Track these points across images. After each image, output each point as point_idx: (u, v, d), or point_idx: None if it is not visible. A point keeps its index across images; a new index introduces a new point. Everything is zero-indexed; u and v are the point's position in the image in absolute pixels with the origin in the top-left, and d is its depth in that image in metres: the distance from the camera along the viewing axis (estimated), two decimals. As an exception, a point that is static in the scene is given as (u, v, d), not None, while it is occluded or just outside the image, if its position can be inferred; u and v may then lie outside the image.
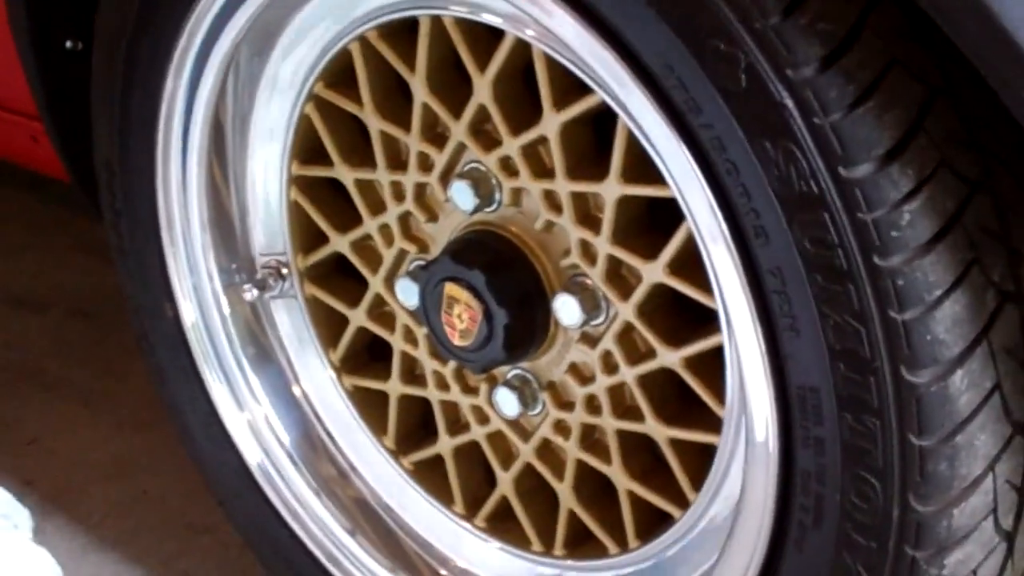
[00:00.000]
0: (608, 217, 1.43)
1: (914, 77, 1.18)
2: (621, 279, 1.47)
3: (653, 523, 1.56)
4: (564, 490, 1.61)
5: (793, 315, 1.26)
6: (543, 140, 1.45)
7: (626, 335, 1.49)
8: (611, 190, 1.42)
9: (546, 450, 1.61)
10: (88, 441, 2.20)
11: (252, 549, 1.86)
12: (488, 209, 1.53)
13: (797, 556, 1.36)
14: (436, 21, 1.47)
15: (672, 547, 1.55)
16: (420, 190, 1.58)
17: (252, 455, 1.79)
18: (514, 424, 1.62)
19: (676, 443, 1.50)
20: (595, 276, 1.47)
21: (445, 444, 1.69)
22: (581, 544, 1.64)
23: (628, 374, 1.50)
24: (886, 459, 1.25)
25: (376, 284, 1.66)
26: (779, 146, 1.19)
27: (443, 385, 1.66)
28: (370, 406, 1.75)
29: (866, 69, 1.16)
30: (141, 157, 1.72)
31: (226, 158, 1.72)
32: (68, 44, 1.78)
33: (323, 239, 1.69)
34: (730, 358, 1.38)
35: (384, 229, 1.63)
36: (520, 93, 1.47)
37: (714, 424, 1.44)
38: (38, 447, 2.19)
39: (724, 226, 1.27)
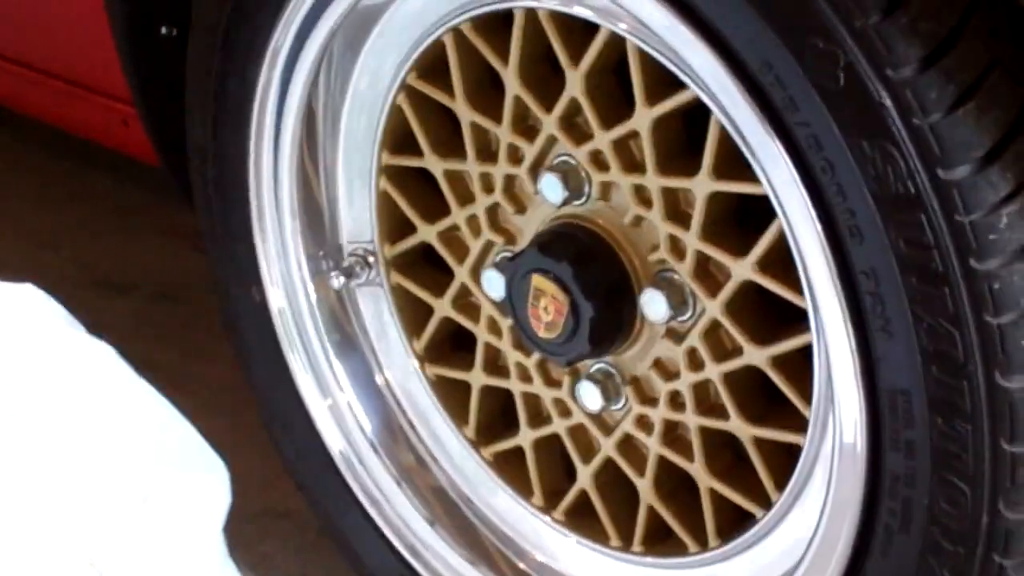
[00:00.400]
0: (698, 213, 1.42)
1: (1015, 79, 1.16)
2: (709, 276, 1.46)
3: (734, 523, 1.55)
4: (644, 486, 1.60)
5: (886, 317, 1.25)
6: (634, 135, 1.44)
7: (712, 332, 1.48)
8: (702, 186, 1.41)
9: (627, 445, 1.61)
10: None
11: (330, 536, 1.86)
12: (577, 202, 1.53)
13: (882, 561, 1.35)
14: (530, 14, 1.47)
15: (752, 548, 1.53)
16: (509, 182, 1.58)
17: (334, 442, 1.80)
18: (596, 418, 1.62)
19: (760, 442, 1.48)
20: (683, 272, 1.47)
21: (526, 436, 1.69)
22: (660, 541, 1.63)
23: (713, 371, 1.49)
24: (977, 465, 1.24)
25: (462, 274, 1.66)
26: (877, 146, 1.18)
27: (526, 377, 1.66)
28: (452, 396, 1.75)
29: (967, 70, 1.15)
30: (234, 144, 1.73)
31: (317, 147, 1.72)
32: (163, 30, 1.79)
33: (411, 228, 1.69)
34: (819, 358, 1.37)
35: (472, 220, 1.63)
36: (612, 87, 1.46)
37: (800, 424, 1.43)
38: (121, 428, 2.21)
39: (818, 225, 1.26)
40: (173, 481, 1.32)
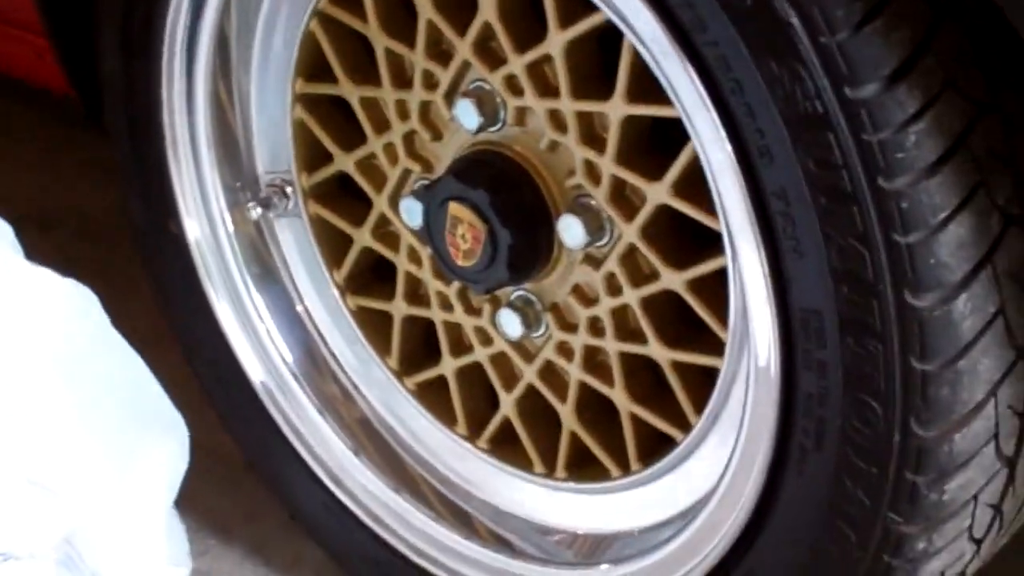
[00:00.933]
0: (613, 137, 1.42)
1: (922, -4, 1.17)
2: (625, 200, 1.46)
3: (655, 446, 1.56)
4: (567, 412, 1.60)
5: (797, 237, 1.25)
6: (548, 59, 1.44)
7: (630, 257, 1.49)
8: (616, 109, 1.41)
9: (549, 372, 1.61)
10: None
11: (255, 468, 1.86)
12: (492, 128, 1.52)
13: (798, 479, 1.36)
14: (442, -63, 1.46)
15: (673, 470, 1.54)
16: (425, 108, 1.57)
17: (256, 373, 1.79)
18: (517, 346, 1.62)
19: (679, 366, 1.49)
20: (599, 197, 1.47)
21: (448, 365, 1.69)
22: (583, 467, 1.63)
23: (631, 296, 1.49)
24: (888, 383, 1.25)
25: (381, 203, 1.65)
26: (785, 65, 1.18)
27: (447, 306, 1.66)
28: (374, 326, 1.74)
29: (873, -13, 1.15)
30: (146, 73, 1.71)
31: (231, 75, 1.70)
32: (73, -41, 1.77)
33: (328, 158, 1.68)
34: (733, 281, 1.37)
35: (389, 148, 1.62)
36: (525, 11, 1.46)
37: (717, 347, 1.44)
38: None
39: (728, 146, 1.26)
40: (135, 439, 1.31)
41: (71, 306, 1.34)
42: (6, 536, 1.24)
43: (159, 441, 1.33)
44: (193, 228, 1.77)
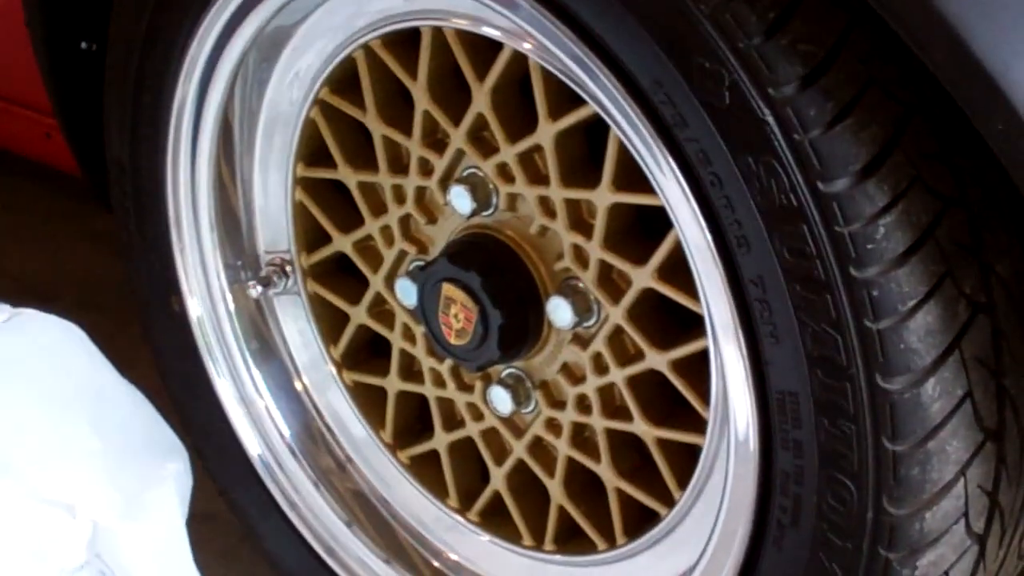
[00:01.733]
0: (600, 223, 1.48)
1: (890, 96, 1.23)
2: (612, 283, 1.52)
3: (640, 520, 1.60)
4: (555, 486, 1.65)
5: (774, 323, 1.30)
6: (538, 148, 1.50)
7: (616, 337, 1.54)
8: (603, 197, 1.46)
9: (538, 447, 1.66)
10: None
11: (252, 538, 1.90)
12: (485, 213, 1.58)
13: (776, 554, 1.41)
14: (437, 32, 1.52)
15: (657, 544, 1.59)
16: (420, 193, 1.63)
17: (253, 446, 1.84)
18: (507, 421, 1.67)
19: (663, 443, 1.54)
20: (587, 280, 1.52)
21: (441, 439, 1.74)
22: (570, 540, 1.68)
23: (618, 375, 1.54)
24: (861, 463, 1.30)
25: (377, 283, 1.70)
26: (761, 161, 1.24)
27: (440, 382, 1.71)
28: (369, 401, 1.79)
29: (844, 88, 1.21)
30: (152, 156, 1.77)
31: (234, 159, 1.76)
32: (83, 45, 1.83)
33: (326, 239, 1.74)
34: (715, 362, 1.42)
35: (385, 230, 1.67)
36: (517, 103, 1.52)
37: (699, 425, 1.49)
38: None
39: (708, 235, 1.31)
40: (144, 458, 1.35)
41: (62, 339, 1.38)
42: (34, 557, 1.27)
43: (166, 459, 1.37)
44: (195, 305, 1.83)
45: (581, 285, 1.54)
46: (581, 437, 1.62)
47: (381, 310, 1.73)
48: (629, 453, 1.60)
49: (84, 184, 1.95)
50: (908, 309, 1.25)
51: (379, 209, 1.67)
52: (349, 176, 1.67)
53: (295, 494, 1.83)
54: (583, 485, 1.65)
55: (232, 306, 1.82)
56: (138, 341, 2.24)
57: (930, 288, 1.25)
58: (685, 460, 1.53)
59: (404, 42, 1.57)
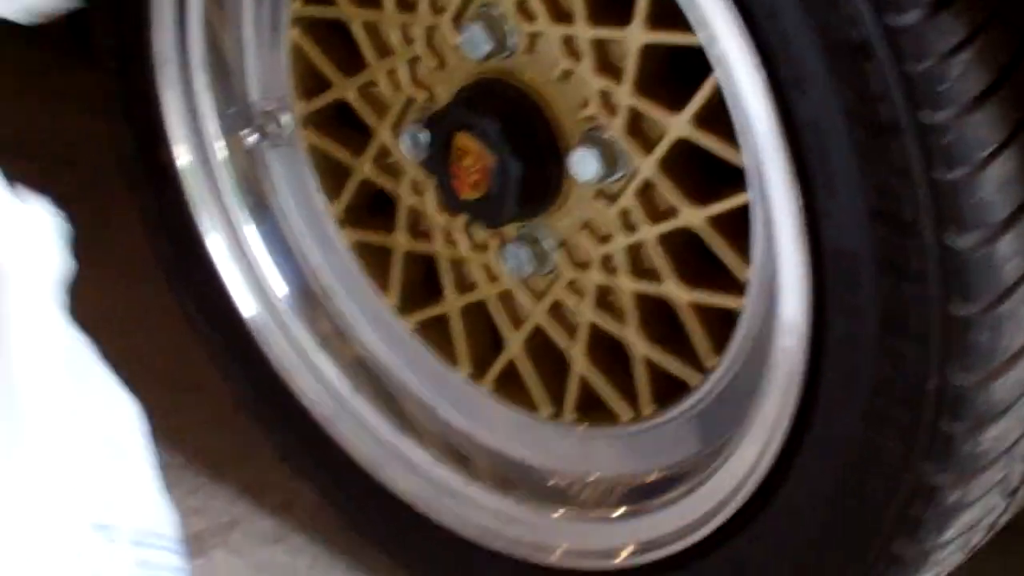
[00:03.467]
0: (631, 66, 1.38)
1: (970, -83, 1.13)
2: (642, 133, 1.43)
3: (669, 390, 1.52)
4: (576, 353, 1.57)
5: (830, 172, 1.22)
6: (563, -20, 1.40)
7: (646, 192, 1.45)
8: (635, 37, 1.36)
9: (558, 312, 1.58)
10: (75, 294, 2.16)
11: (245, 408, 1.82)
12: (502, 55, 1.48)
13: (826, 431, 1.33)
14: None
15: (688, 414, 1.51)
16: (430, 34, 1.53)
17: (247, 308, 1.75)
18: (525, 284, 1.58)
19: (696, 308, 1.46)
20: (615, 129, 1.43)
21: (451, 303, 1.65)
22: (592, 409, 1.60)
23: (648, 233, 1.46)
24: (925, 329, 1.22)
25: (382, 133, 1.61)
26: (823, -12, 1.14)
27: (450, 242, 1.62)
28: (373, 262, 1.71)
29: (919, -93, 1.11)
30: (136, -6, 1.67)
31: (225, -5, 1.66)
32: None
33: (325, 85, 1.64)
34: (759, 219, 1.34)
35: (391, 74, 1.58)
36: (539, -71, 1.41)
37: (738, 288, 1.41)
38: (24, 298, 2.15)
39: (760, 75, 1.22)
40: None
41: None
42: None
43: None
44: (183, 156, 1.73)
45: (607, 135, 1.44)
46: (606, 301, 1.54)
47: (386, 163, 1.64)
48: (658, 318, 1.52)
49: (61, 30, 1.85)
50: (983, 158, 1.16)
51: (385, 52, 1.57)
52: (352, 15, 1.57)
53: (293, 359, 1.74)
54: (606, 352, 1.57)
55: (224, 157, 1.73)
56: (114, 200, 2.16)
57: (1008, 135, 1.17)
58: (721, 328, 1.45)
59: None
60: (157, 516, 1.19)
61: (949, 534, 1.33)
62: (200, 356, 1.86)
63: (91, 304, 2.11)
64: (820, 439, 1.34)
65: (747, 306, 1.40)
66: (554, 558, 1.61)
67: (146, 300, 2.13)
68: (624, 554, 1.56)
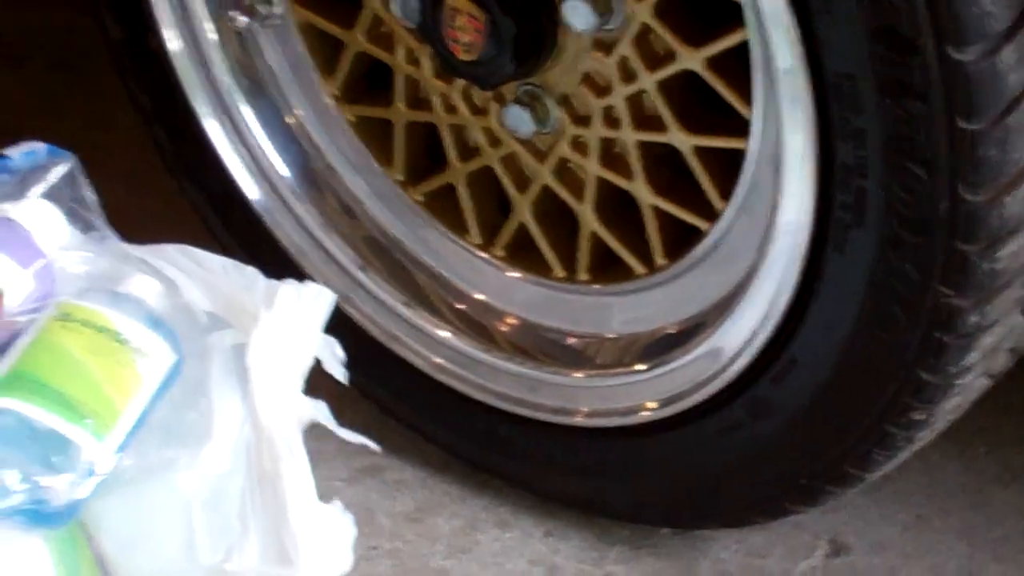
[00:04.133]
0: (615, -95, 1.36)
1: None
2: (635, -24, 1.40)
3: (680, 240, 1.51)
4: (585, 211, 1.56)
5: (827, -6, 1.19)
6: None
7: (642, 38, 1.43)
8: None
9: (564, 170, 1.56)
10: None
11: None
12: (485, -92, 1.45)
13: (840, 260, 1.31)
14: None
15: (701, 263, 1.50)
16: None
17: (251, 192, 1.73)
18: (528, 144, 1.57)
19: (701, 152, 1.45)
20: (606, -25, 1.40)
21: (456, 172, 1.64)
22: (605, 268, 1.59)
23: (647, 81, 1.44)
24: (932, 147, 1.21)
25: (372, 2, 1.58)
26: None
27: (450, 108, 1.60)
28: (374, 137, 1.69)
29: None
30: None
31: None
32: None
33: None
34: (757, 54, 1.32)
35: (376, -61, 1.55)
36: None
37: (742, 128, 1.39)
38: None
39: None
40: None
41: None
42: None
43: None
44: (172, 40, 1.70)
45: (599, -18, 1.42)
46: (611, 154, 1.53)
47: (380, 33, 1.61)
48: (664, 168, 1.50)
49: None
50: (981, -33, 1.13)
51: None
52: None
53: (302, 239, 1.73)
54: (615, 208, 1.55)
55: (215, 39, 1.70)
56: (114, 100, 2.14)
57: (1006, -62, 1.14)
58: (726, 168, 1.44)
59: None
60: None
61: (972, 357, 1.32)
62: (211, 246, 1.85)
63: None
64: (836, 272, 1.33)
65: (752, 145, 1.39)
66: (578, 419, 1.61)
67: (145, 197, 2.11)
68: (647, 409, 1.55)
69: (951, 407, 1.37)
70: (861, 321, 1.33)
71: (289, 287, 1.31)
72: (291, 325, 1.28)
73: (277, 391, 1.27)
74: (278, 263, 1.73)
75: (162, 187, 1.88)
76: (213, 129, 1.72)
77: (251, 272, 1.33)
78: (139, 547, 1.28)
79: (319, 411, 1.30)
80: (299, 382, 1.29)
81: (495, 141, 1.59)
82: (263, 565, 1.25)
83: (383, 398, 1.75)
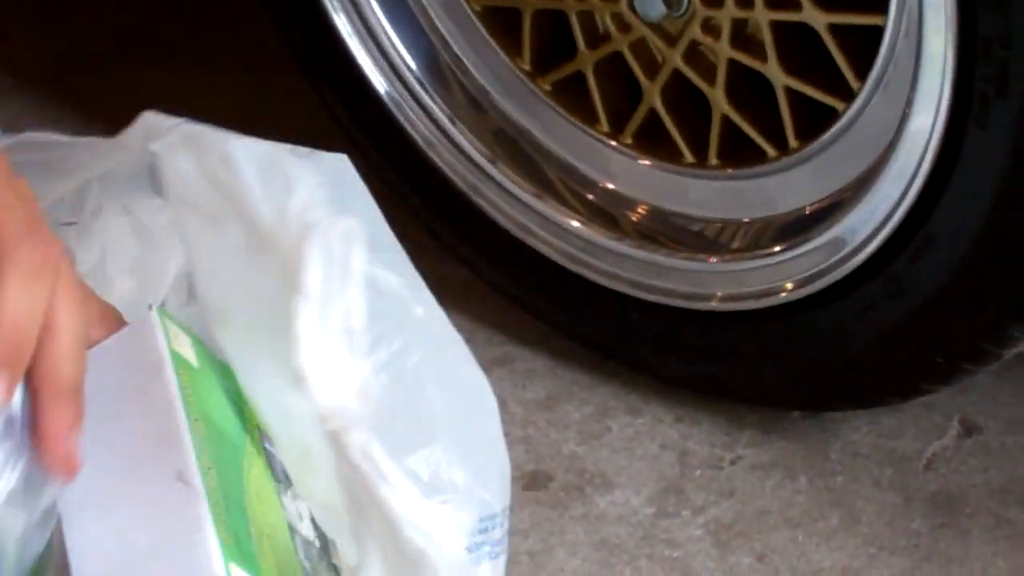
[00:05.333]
0: None
1: None
2: None
3: (813, 121, 1.52)
4: (716, 94, 1.57)
5: None
6: None
7: (777, -87, 1.43)
8: None
9: (695, 54, 1.57)
10: (211, 102, 2.18)
11: (383, 181, 1.81)
12: None
13: (980, 132, 1.31)
14: None
15: (835, 144, 1.51)
16: None
17: (380, 84, 1.75)
18: (658, 28, 1.58)
19: (837, 29, 1.45)
20: None
21: (585, 59, 1.65)
22: (736, 152, 1.60)
23: (780, -41, 1.45)
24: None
25: None
26: None
27: (578, -6, 1.61)
28: (502, 27, 1.70)
29: None
30: None
31: None
32: None
33: None
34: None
35: None
36: None
37: (878, 4, 1.40)
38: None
39: None
40: None
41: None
42: None
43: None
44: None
45: None
46: (743, 36, 1.53)
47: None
48: (798, 48, 1.50)
49: None
50: None
51: None
52: None
53: (431, 132, 1.74)
54: (747, 90, 1.56)
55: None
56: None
57: None
58: (862, 48, 1.44)
59: None
60: None
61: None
62: (336, 142, 1.86)
63: (222, 107, 2.14)
64: (976, 147, 1.33)
65: (890, 20, 1.39)
66: (713, 304, 1.62)
67: (281, 95, 2.13)
68: (783, 291, 1.57)
69: (1093, 280, 1.38)
70: (1002, 195, 1.33)
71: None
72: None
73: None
74: (407, 156, 1.76)
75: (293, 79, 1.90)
76: (343, 24, 1.74)
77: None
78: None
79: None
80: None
81: (624, 26, 1.60)
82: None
83: (512, 289, 1.77)
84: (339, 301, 0.88)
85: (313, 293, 0.88)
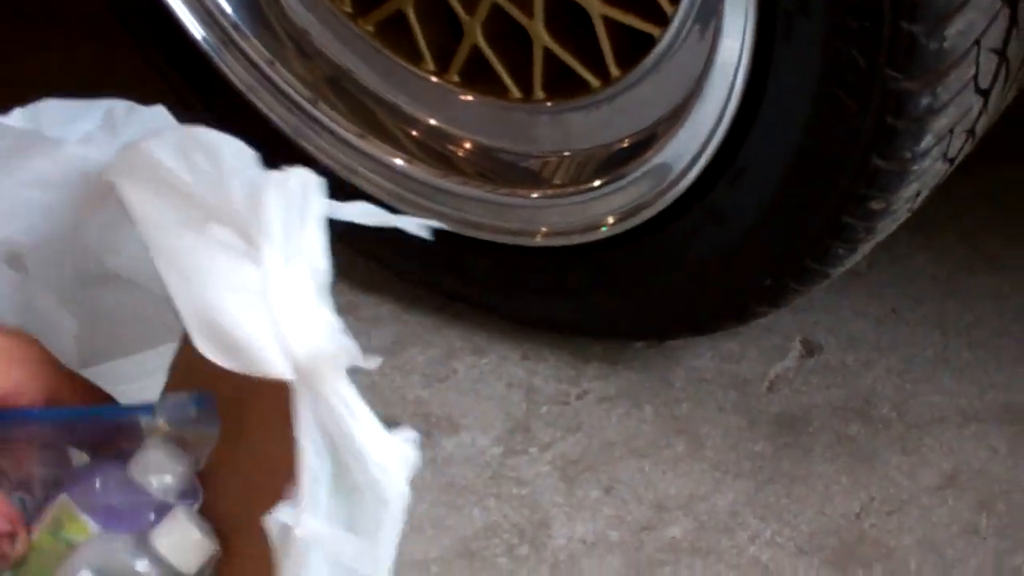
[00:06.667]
0: None
1: None
2: None
3: (633, 50, 1.52)
4: (536, 27, 1.57)
5: None
6: None
7: None
8: None
9: (512, -12, 1.57)
10: (43, 60, 2.14)
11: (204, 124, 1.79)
12: None
13: (787, 49, 1.32)
14: None
15: (655, 71, 1.51)
16: None
17: (196, 30, 1.73)
18: (474, -37, 1.57)
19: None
20: None
21: (405, -2, 1.64)
22: (561, 85, 1.60)
23: None
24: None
25: None
26: None
27: (395, -70, 1.60)
28: (320, -32, 1.69)
29: None
30: None
31: None
32: None
33: None
34: None
35: None
36: None
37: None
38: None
39: None
40: None
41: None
42: None
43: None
44: None
45: None
46: (558, -34, 1.52)
47: None
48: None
49: None
50: None
51: None
52: None
53: (250, 76, 1.72)
54: (566, 22, 1.56)
55: None
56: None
57: None
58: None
59: None
60: None
61: (927, 142, 1.33)
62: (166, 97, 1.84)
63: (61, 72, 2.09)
64: (784, 65, 1.34)
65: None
66: (538, 239, 1.62)
67: (111, 57, 2.09)
68: (606, 225, 1.57)
69: (909, 194, 1.38)
70: (812, 116, 1.34)
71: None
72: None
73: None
74: (228, 103, 1.74)
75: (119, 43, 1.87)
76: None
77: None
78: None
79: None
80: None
81: (440, -37, 1.59)
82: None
83: (344, 231, 1.75)
84: (301, 244, 0.92)
85: (276, 237, 0.91)
